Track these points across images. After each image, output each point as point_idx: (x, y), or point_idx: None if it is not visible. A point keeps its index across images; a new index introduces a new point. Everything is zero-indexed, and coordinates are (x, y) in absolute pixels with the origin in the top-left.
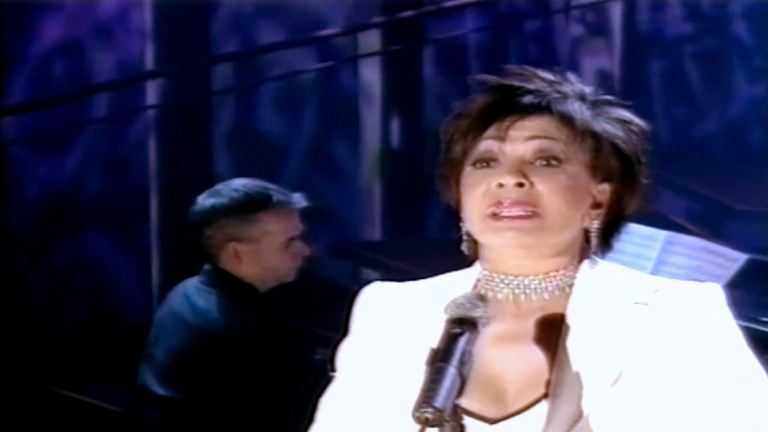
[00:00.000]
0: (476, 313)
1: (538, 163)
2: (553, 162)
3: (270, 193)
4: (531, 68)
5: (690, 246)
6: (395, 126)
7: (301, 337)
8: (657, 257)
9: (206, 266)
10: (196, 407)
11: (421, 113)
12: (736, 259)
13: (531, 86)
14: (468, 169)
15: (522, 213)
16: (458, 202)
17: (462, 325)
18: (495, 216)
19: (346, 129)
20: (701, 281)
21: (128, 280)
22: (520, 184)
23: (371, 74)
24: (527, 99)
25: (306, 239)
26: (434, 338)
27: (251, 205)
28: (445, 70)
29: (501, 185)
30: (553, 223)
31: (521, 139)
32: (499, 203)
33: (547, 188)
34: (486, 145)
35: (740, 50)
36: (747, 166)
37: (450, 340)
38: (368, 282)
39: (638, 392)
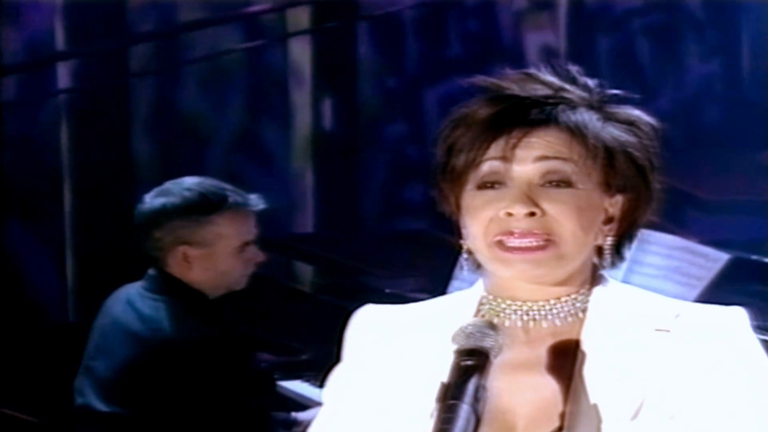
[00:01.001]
0: (488, 343)
1: (547, 184)
2: (563, 184)
3: (226, 193)
4: (533, 72)
5: (667, 245)
6: (327, 108)
7: (248, 343)
8: (631, 257)
9: (151, 271)
10: (144, 424)
11: (355, 94)
12: (717, 259)
13: (535, 95)
14: (471, 191)
15: (534, 243)
16: (458, 218)
17: (473, 357)
18: (503, 246)
19: (275, 112)
20: (680, 283)
21: (40, 274)
22: (531, 213)
23: (301, 53)
24: (533, 112)
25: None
26: (437, 368)
27: (205, 206)
28: (381, 48)
29: (510, 214)
30: (568, 250)
31: (529, 160)
32: (508, 233)
33: (559, 213)
34: (491, 166)
35: (693, 25)
36: (701, 148)
37: (462, 374)
38: (300, 277)
39: (660, 427)
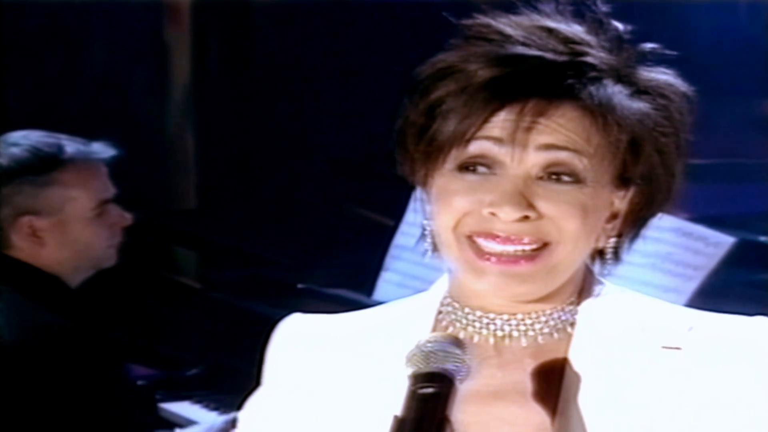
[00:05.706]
0: (453, 365)
1: (548, 177)
2: (569, 179)
3: (61, 143)
4: (550, 23)
5: (658, 227)
6: (212, 50)
7: (121, 349)
8: None
9: None
10: None
11: (246, 31)
12: (719, 244)
13: (552, 58)
14: (450, 171)
15: (520, 252)
16: (423, 191)
17: (434, 383)
18: (479, 250)
19: (147, 60)
20: (673, 273)
21: None
22: (524, 217)
23: None
24: (547, 83)
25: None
26: (386, 397)
27: (41, 164)
28: None
29: (495, 215)
30: (564, 260)
31: (532, 146)
32: (489, 235)
33: (559, 215)
34: (481, 147)
35: None
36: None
37: (420, 405)
38: (182, 263)
39: None
